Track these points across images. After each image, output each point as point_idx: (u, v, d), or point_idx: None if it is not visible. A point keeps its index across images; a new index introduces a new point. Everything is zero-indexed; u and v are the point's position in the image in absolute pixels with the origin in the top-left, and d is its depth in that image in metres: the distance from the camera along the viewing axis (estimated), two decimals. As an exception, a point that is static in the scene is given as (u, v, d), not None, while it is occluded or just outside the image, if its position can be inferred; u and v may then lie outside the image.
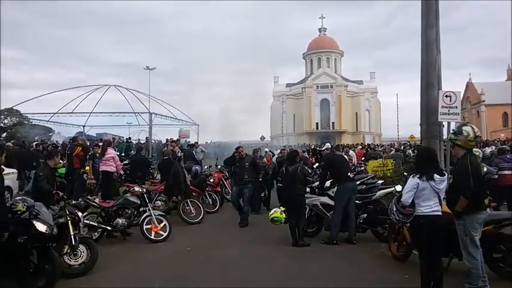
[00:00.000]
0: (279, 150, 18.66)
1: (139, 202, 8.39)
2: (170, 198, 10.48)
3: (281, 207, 7.54)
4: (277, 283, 5.76)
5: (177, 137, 28.13)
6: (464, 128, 5.10)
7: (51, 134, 29.71)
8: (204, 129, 28.76)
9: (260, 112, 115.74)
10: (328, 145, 8.52)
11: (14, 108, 31.73)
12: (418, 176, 4.78)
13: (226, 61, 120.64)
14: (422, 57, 7.97)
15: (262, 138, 48.21)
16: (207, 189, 12.07)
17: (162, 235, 8.26)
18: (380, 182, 9.02)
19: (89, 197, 8.72)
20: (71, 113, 25.14)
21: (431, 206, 4.78)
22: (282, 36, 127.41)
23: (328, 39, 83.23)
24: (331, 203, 7.89)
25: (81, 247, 6.14)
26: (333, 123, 76.77)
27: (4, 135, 37.87)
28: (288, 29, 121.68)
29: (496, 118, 66.03)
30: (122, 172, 10.71)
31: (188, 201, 10.31)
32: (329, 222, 7.87)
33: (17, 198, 5.46)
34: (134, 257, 7.26)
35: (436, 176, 4.75)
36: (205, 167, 14.81)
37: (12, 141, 19.19)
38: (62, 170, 14.07)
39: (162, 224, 8.33)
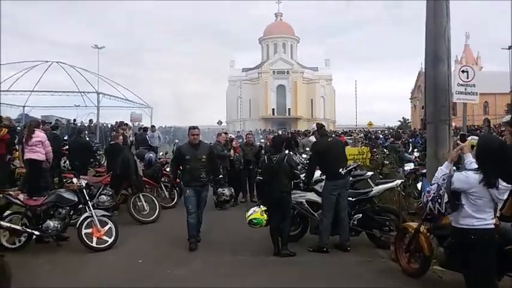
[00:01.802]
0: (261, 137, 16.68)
1: (76, 199, 6.57)
2: (118, 192, 8.63)
3: (261, 207, 5.98)
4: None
5: (129, 121, 25.97)
6: None
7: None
8: (157, 113, 26.61)
9: (215, 97, 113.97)
10: (314, 126, 6.95)
11: None
12: (481, 178, 3.39)
13: (179, 42, 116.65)
14: (429, 25, 6.64)
15: (220, 122, 46.42)
16: (163, 179, 10.33)
17: (107, 241, 6.50)
18: (369, 173, 7.74)
19: (10, 192, 6.75)
20: (7, 91, 22.23)
21: (485, 219, 3.45)
22: (238, 19, 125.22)
23: (284, 25, 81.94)
24: (319, 200, 6.46)
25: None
26: (289, 109, 76.20)
27: None
28: (244, 13, 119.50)
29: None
30: (50, 161, 8.55)
31: (140, 195, 8.54)
32: (316, 224, 6.45)
33: None
34: (67, 274, 5.49)
35: (502, 184, 3.38)
36: (161, 153, 12.95)
37: None
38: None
39: (106, 227, 6.56)
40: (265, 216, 5.90)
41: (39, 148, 8.43)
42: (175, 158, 7.26)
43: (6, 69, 23.21)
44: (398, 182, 6.73)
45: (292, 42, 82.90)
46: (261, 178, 6.34)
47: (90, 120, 20.66)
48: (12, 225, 6.36)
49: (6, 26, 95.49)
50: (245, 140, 12.27)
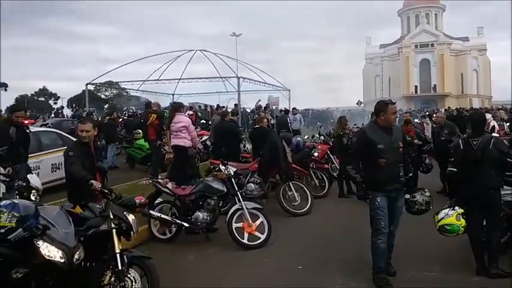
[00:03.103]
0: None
1: (225, 190, 5.87)
2: (267, 180, 7.83)
3: (456, 208, 4.42)
4: None
5: (266, 104, 25.79)
6: None
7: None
8: (294, 96, 26.00)
9: (350, 77, 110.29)
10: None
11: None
12: None
13: (314, 27, 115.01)
14: None
15: (359, 103, 43.84)
16: (312, 165, 9.28)
17: (259, 238, 5.67)
18: None
19: (160, 181, 6.37)
20: (158, 80, 23.84)
21: None
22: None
23: (428, -8, 74.10)
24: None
25: (132, 273, 3.70)
26: (435, 85, 69.14)
27: (106, 106, 39.38)
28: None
29: None
30: (200, 146, 8.05)
31: (290, 183, 7.60)
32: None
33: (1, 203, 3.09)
34: (217, 277, 4.77)
35: None
36: (305, 137, 11.91)
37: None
38: (141, 142, 12.30)
39: (258, 222, 5.74)
40: (462, 221, 4.33)
41: (184, 134, 7.83)
42: (357, 148, 4.54)
43: (156, 62, 24.77)
44: None
45: (437, 11, 74.76)
46: (455, 170, 4.69)
47: (236, 105, 20.75)
48: (163, 215, 5.96)
49: (160, 26, 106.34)
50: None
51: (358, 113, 32.22)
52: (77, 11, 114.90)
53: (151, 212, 5.98)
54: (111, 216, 3.75)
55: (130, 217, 3.91)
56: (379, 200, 4.17)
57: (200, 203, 5.93)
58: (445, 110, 27.12)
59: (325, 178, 9.21)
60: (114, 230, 3.71)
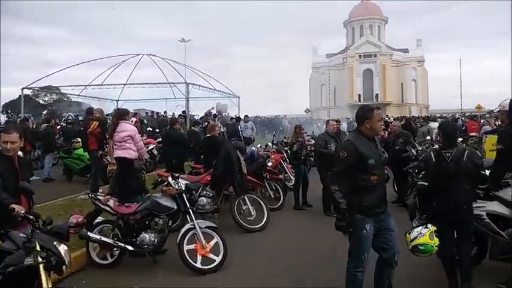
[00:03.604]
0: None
1: (175, 207, 5.27)
2: (220, 193, 7.31)
3: (430, 226, 4.12)
4: None
5: (214, 112, 25.20)
6: None
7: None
8: (243, 103, 25.57)
9: (297, 86, 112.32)
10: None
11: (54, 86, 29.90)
12: None
13: (263, 35, 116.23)
14: None
15: (307, 111, 44.25)
16: (266, 177, 8.86)
17: (213, 261, 5.12)
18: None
19: (99, 197, 5.64)
20: (101, 85, 22.51)
21: None
22: (320, 5, 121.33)
23: (372, 5, 76.97)
24: (506, 212, 4.46)
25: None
26: (377, 94, 71.62)
27: (45, 112, 36.98)
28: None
29: None
30: (146, 157, 7.28)
31: (245, 197, 7.13)
32: (502, 246, 4.46)
33: None
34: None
35: None
36: (258, 145, 11.50)
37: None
38: (80, 151, 11.32)
39: (212, 242, 5.19)
40: (436, 240, 4.03)
41: (129, 144, 6.87)
42: (349, 164, 3.58)
43: (101, 66, 23.44)
44: None
45: (380, 24, 77.86)
46: (427, 183, 4.42)
47: (183, 112, 19.78)
48: (103, 238, 5.26)
49: (111, 31, 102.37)
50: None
51: (306, 120, 32.43)
52: (22, 13, 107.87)
53: (89, 233, 5.27)
54: (38, 248, 3.08)
55: (62, 248, 3.23)
56: (367, 228, 3.54)
57: (147, 222, 5.29)
58: (398, 118, 27.71)
59: (279, 189, 8.85)
60: (41, 265, 3.05)
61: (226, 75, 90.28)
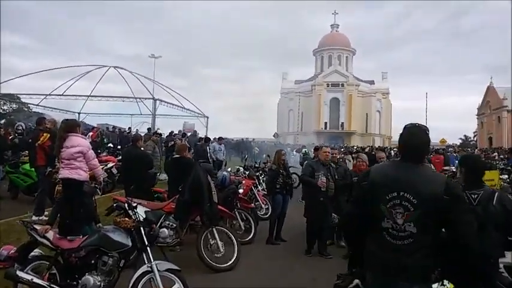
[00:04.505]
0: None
1: (129, 244, 4.26)
2: (185, 224, 6.30)
3: (447, 283, 3.34)
4: None
5: (182, 132, 24.16)
6: None
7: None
8: (211, 124, 24.81)
9: (266, 109, 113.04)
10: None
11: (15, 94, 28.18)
12: None
13: (234, 57, 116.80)
14: None
15: (276, 135, 43.70)
16: (237, 205, 7.96)
17: (174, 315, 4.13)
18: None
19: (36, 227, 4.55)
20: (62, 95, 21.20)
21: None
22: (291, 33, 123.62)
23: (341, 36, 79.04)
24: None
25: None
26: (342, 123, 72.76)
27: (3, 121, 35.04)
28: (298, 27, 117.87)
29: (519, 125, 61.48)
30: (104, 176, 6.15)
31: (214, 230, 6.17)
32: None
33: None
34: None
35: None
36: (229, 169, 10.57)
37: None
38: (27, 167, 10.03)
39: (173, 290, 4.21)
40: (453, 301, 3.26)
41: (79, 163, 5.57)
42: (360, 204, 2.81)
43: (64, 76, 22.21)
44: None
45: (348, 55, 79.85)
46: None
47: (149, 129, 18.43)
48: (35, 279, 4.15)
49: (75, 40, 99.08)
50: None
51: (275, 145, 31.86)
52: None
53: (18, 273, 4.16)
54: None
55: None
56: None
57: (93, 261, 4.22)
58: (381, 149, 27.17)
59: (250, 219, 7.96)
60: None
61: (197, 95, 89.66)
